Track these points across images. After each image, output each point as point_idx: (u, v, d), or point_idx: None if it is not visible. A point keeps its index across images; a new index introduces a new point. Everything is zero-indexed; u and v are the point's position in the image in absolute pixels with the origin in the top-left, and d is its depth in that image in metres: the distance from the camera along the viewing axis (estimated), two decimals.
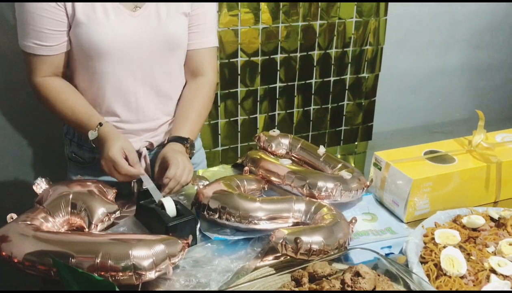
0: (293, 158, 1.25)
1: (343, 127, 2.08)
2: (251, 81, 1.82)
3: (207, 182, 1.08)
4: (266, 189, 1.14)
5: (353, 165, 2.17)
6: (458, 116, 2.46)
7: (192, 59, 1.24)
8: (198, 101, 1.24)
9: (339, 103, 2.03)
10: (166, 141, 1.17)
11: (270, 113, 1.93)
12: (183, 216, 0.96)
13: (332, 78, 1.97)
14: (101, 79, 1.14)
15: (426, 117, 2.39)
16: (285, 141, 1.27)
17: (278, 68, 1.86)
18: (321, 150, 1.22)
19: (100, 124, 1.10)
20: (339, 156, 2.15)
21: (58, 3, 1.05)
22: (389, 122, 2.27)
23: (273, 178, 1.14)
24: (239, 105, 1.85)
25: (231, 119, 1.86)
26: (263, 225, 0.98)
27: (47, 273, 0.84)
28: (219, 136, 1.86)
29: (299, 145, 1.25)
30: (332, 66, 1.95)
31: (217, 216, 0.99)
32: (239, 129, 1.89)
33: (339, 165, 1.17)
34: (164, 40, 1.16)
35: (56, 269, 0.68)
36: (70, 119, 1.13)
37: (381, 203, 1.15)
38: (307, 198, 1.05)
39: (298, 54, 1.87)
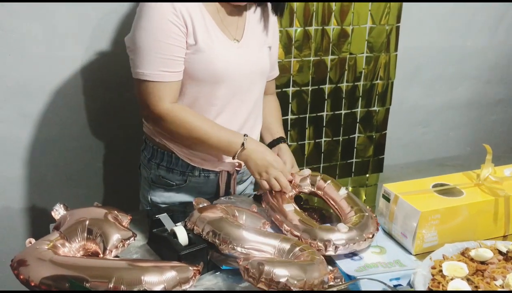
0: (316, 193, 1.28)
1: (354, 160, 2.10)
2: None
3: None
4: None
5: (364, 197, 2.19)
6: (468, 150, 2.47)
7: (266, 86, 1.42)
8: (279, 111, 1.52)
9: (350, 136, 2.06)
10: (272, 142, 1.41)
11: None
12: (195, 244, 0.99)
13: (343, 111, 2.00)
14: (211, 102, 1.24)
15: (436, 151, 2.41)
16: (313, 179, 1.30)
17: (290, 101, 1.90)
18: (342, 191, 1.23)
19: (245, 135, 1.23)
20: (350, 188, 2.17)
21: (182, 32, 1.15)
22: (400, 155, 2.29)
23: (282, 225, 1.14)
24: None
25: None
26: (242, 253, 0.97)
27: None
28: None
29: (326, 184, 1.27)
30: (343, 99, 1.99)
31: (203, 235, 1.01)
32: None
33: (355, 208, 1.17)
34: (258, 69, 1.30)
35: (73, 291, 0.71)
36: (210, 141, 1.21)
37: (389, 235, 1.17)
38: (296, 238, 1.04)
39: (310, 88, 1.92)
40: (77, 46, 1.58)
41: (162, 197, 1.34)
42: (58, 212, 1.07)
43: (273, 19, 1.37)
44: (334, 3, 1.82)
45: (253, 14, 1.31)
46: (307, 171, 1.29)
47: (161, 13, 1.13)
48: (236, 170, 1.36)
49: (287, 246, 0.98)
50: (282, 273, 0.86)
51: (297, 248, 0.97)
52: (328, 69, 1.92)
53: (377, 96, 2.03)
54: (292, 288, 0.86)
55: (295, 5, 1.77)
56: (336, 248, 1.03)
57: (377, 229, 1.11)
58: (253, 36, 1.30)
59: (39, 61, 1.54)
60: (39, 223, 1.69)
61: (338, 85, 1.96)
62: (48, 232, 1.04)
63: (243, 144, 1.20)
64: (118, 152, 1.76)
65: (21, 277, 0.89)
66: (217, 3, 1.23)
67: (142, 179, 1.39)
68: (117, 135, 1.74)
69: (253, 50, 1.29)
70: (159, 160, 1.32)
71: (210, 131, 1.20)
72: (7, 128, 1.58)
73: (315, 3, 1.80)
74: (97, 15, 1.56)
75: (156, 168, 1.33)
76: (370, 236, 1.08)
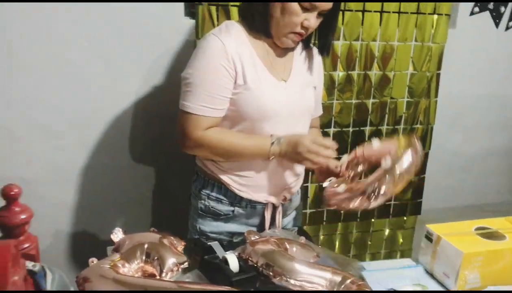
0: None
1: (392, 202, 2.12)
2: None
3: None
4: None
5: (401, 240, 2.20)
6: (508, 197, 2.46)
7: (311, 122, 1.51)
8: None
9: None
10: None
11: (319, 183, 2.01)
12: (245, 272, 1.04)
13: None
14: None
15: (475, 197, 2.41)
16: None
17: None
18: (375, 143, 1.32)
19: (271, 135, 1.29)
20: (387, 230, 2.19)
21: (230, 74, 1.26)
22: (438, 199, 2.30)
23: None
24: None
25: None
26: (295, 285, 1.02)
27: None
28: None
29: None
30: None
31: (257, 267, 1.06)
32: None
33: None
34: (303, 107, 1.40)
35: None
36: (244, 152, 1.30)
37: (431, 275, 1.19)
38: (345, 273, 1.06)
39: (351, 129, 1.98)
40: (134, 80, 1.70)
41: (210, 226, 1.41)
42: (117, 235, 1.15)
43: (317, 59, 1.46)
44: (376, 49, 1.90)
45: (299, 55, 1.41)
46: (345, 157, 1.34)
47: (214, 56, 1.25)
48: (281, 203, 1.42)
49: (338, 278, 1.02)
50: None
51: (348, 281, 1.01)
52: (369, 112, 1.98)
53: None
54: None
55: (339, 50, 1.86)
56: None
57: None
58: (299, 76, 1.38)
59: (98, 94, 1.67)
60: (93, 245, 1.78)
61: (379, 127, 2.01)
62: (102, 253, 1.11)
63: (272, 143, 1.28)
64: (168, 182, 1.85)
65: None
66: (266, 46, 1.33)
67: (192, 208, 1.46)
68: (168, 166, 1.84)
69: (299, 90, 1.37)
70: (209, 190, 1.40)
71: (241, 142, 1.29)
72: (66, 156, 1.69)
73: (358, 48, 1.88)
74: (154, 52, 1.68)
75: (206, 198, 1.40)
76: None
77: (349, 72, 1.90)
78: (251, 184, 1.37)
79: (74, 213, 1.77)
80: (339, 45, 1.85)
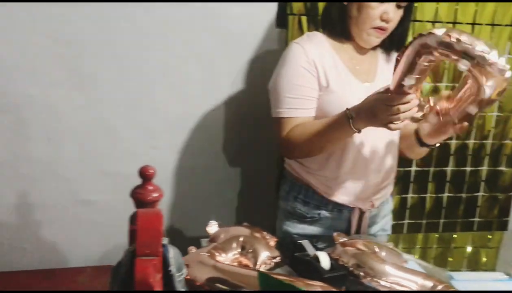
0: None
1: (476, 219, 2.06)
2: None
3: None
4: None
5: (484, 259, 2.12)
6: None
7: None
8: None
9: (474, 194, 2.04)
10: None
11: (402, 195, 2.00)
12: (336, 270, 1.07)
13: (468, 168, 2.00)
14: (345, 141, 1.33)
15: None
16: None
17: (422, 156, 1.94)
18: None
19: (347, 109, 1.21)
20: (470, 248, 2.12)
21: (313, 75, 1.31)
22: None
23: None
24: None
25: None
26: (385, 286, 1.03)
27: None
28: None
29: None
30: (469, 156, 1.99)
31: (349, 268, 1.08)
32: None
33: None
34: None
35: (259, 278, 0.82)
36: (327, 134, 1.26)
37: None
38: (436, 278, 1.07)
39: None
40: (226, 86, 1.79)
41: (296, 228, 1.45)
42: (213, 227, 1.22)
43: None
44: None
45: (383, 59, 1.43)
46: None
47: (296, 61, 1.32)
48: (369, 209, 1.43)
49: (429, 283, 1.03)
50: None
51: (440, 286, 1.01)
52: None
53: (505, 157, 2.00)
54: None
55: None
56: None
57: None
58: (384, 79, 1.37)
59: (191, 97, 1.77)
60: (178, 241, 1.87)
61: (465, 142, 1.97)
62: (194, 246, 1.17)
63: (347, 115, 1.20)
64: (253, 185, 1.92)
65: (187, 277, 1.03)
66: (350, 51, 1.38)
67: (279, 210, 1.51)
68: (254, 170, 1.90)
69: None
70: (296, 192, 1.44)
71: (321, 122, 1.27)
72: (159, 155, 1.81)
73: (447, 61, 1.86)
74: (246, 59, 1.77)
75: (293, 200, 1.44)
76: None
77: (437, 84, 1.88)
78: (338, 187, 1.39)
79: (163, 208, 1.87)
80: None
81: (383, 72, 1.41)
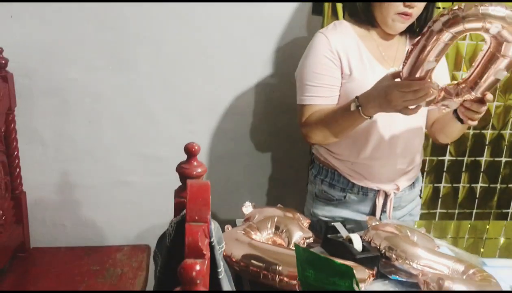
0: None
1: (510, 210, 2.04)
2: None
3: None
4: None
5: None
6: None
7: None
8: None
9: (509, 185, 2.02)
10: None
11: (435, 184, 1.99)
12: (369, 252, 1.09)
13: (503, 159, 1.98)
14: (369, 127, 1.36)
15: None
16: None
17: (449, 142, 1.94)
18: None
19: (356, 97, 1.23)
20: (503, 239, 2.10)
21: (335, 64, 1.34)
22: None
23: None
24: None
25: None
26: (416, 269, 1.04)
27: (256, 274, 1.02)
28: None
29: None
30: (505, 147, 1.97)
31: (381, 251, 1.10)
32: None
33: None
34: None
35: (295, 250, 0.86)
36: (339, 124, 1.29)
37: None
38: (468, 262, 1.08)
39: (471, 132, 1.94)
40: (261, 73, 1.82)
41: (323, 210, 1.49)
42: (248, 208, 1.26)
43: None
44: None
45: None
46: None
47: (318, 50, 1.35)
48: (394, 192, 1.45)
49: (461, 267, 1.04)
50: (461, 290, 0.94)
51: (472, 270, 1.02)
52: (492, 116, 1.93)
53: None
54: None
55: (465, 51, 1.83)
56: None
57: None
58: None
59: (228, 83, 1.81)
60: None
61: (501, 132, 1.95)
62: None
63: (356, 103, 1.22)
64: (283, 171, 1.95)
65: (224, 253, 1.07)
66: (376, 38, 1.39)
67: (308, 194, 1.55)
68: (286, 155, 1.93)
69: None
70: (323, 176, 1.48)
71: (334, 113, 1.30)
72: (195, 139, 1.84)
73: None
74: (282, 47, 1.79)
75: (320, 183, 1.48)
76: None
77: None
78: (362, 171, 1.42)
79: None
80: (465, 45, 1.83)
81: None
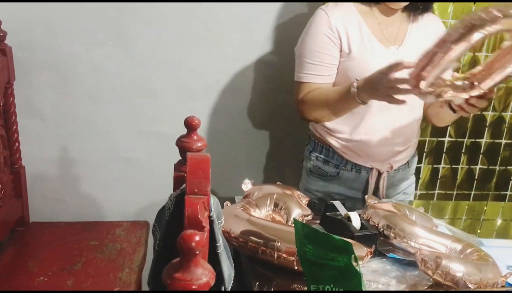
0: None
1: (508, 192, 2.05)
2: (422, 132, 1.92)
3: None
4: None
5: None
6: None
7: None
8: None
9: (508, 167, 2.02)
10: None
11: (434, 165, 1.99)
12: (367, 229, 1.10)
13: (503, 141, 1.98)
14: (366, 106, 1.33)
15: None
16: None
17: (449, 124, 1.93)
18: None
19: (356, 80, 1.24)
20: (500, 221, 2.11)
21: (334, 43, 1.33)
22: None
23: None
24: None
25: None
26: (414, 247, 1.05)
27: (255, 250, 1.03)
28: None
29: None
30: (505, 129, 1.96)
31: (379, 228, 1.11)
32: None
33: None
34: None
35: (294, 225, 0.86)
36: (335, 102, 1.31)
37: None
38: (465, 242, 1.09)
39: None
40: (265, 49, 1.80)
41: (316, 185, 1.51)
42: (247, 185, 1.26)
43: (437, 26, 1.45)
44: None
45: (415, 22, 1.42)
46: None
47: (318, 28, 1.35)
48: (387, 171, 1.46)
49: (459, 246, 1.05)
50: (458, 269, 0.95)
51: (469, 249, 1.03)
52: (493, 97, 1.92)
53: None
54: (468, 284, 0.92)
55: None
56: None
57: None
58: (414, 42, 1.39)
59: (232, 63, 1.79)
60: None
61: (502, 114, 1.95)
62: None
63: (353, 86, 1.23)
64: (280, 149, 1.95)
65: (223, 229, 1.08)
66: (378, 15, 1.38)
67: (303, 170, 1.57)
68: (285, 132, 1.93)
69: (414, 55, 1.26)
70: (318, 152, 1.50)
71: (332, 93, 1.33)
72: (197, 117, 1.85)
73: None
74: (285, 23, 1.77)
75: (315, 159, 1.50)
76: None
77: (476, 53, 1.85)
78: (356, 149, 1.43)
79: None
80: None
81: (416, 36, 1.41)
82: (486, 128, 1.96)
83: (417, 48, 1.34)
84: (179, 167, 0.74)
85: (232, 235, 1.06)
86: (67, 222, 1.79)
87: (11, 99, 1.58)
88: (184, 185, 0.66)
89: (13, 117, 1.60)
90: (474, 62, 1.85)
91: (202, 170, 0.56)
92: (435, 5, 1.65)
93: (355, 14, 1.36)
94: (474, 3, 1.78)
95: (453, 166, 2.00)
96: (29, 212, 1.74)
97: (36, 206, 1.80)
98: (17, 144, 1.64)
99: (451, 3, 1.77)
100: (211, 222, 0.72)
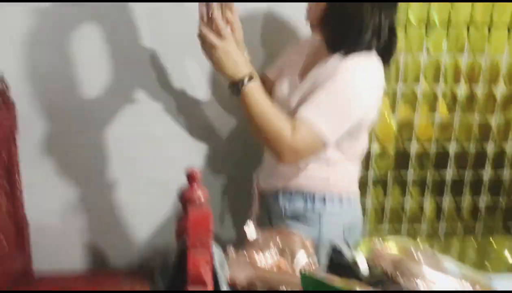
0: None
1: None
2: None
3: None
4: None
5: None
6: None
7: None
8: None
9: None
10: None
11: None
12: (375, 276, 1.08)
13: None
14: None
15: None
16: None
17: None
18: None
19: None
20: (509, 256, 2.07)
21: None
22: None
23: None
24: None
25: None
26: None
27: None
28: None
29: None
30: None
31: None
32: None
33: None
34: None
35: (301, 280, 0.85)
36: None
37: None
38: (475, 277, 1.08)
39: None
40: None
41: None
42: (250, 230, 1.24)
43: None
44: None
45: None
46: None
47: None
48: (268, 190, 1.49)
49: (467, 284, 1.03)
50: None
51: (478, 286, 1.02)
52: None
53: None
54: None
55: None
56: None
57: None
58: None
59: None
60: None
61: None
62: None
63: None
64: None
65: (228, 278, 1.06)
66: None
67: None
68: None
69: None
70: None
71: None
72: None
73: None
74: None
75: None
76: None
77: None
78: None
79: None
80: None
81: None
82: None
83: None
84: (181, 220, 0.73)
85: (237, 282, 1.04)
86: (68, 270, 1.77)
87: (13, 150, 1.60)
88: (185, 237, 0.66)
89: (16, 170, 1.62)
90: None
91: (203, 225, 0.55)
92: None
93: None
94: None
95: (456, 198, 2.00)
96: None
97: (38, 256, 1.78)
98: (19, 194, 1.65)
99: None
100: (214, 273, 0.71)
